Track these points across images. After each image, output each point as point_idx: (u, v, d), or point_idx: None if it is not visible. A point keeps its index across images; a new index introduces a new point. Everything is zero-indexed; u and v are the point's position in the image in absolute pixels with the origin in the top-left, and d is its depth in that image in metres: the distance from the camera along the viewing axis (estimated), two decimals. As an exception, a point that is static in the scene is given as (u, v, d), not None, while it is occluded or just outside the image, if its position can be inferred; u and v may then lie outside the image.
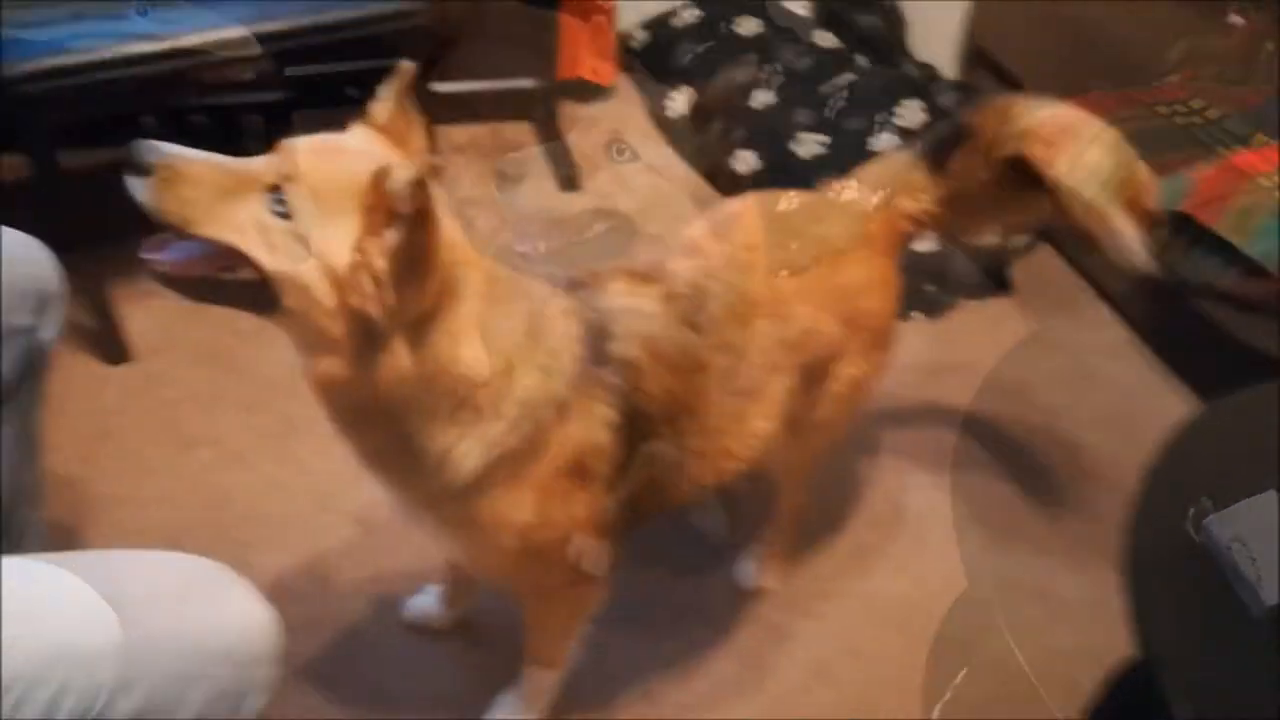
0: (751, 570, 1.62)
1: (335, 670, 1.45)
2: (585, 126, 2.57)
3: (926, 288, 2.17)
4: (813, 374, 1.30)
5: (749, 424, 1.26)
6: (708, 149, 2.43)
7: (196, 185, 0.89)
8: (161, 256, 0.93)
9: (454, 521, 1.12)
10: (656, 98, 2.57)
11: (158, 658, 0.80)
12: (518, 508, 1.08)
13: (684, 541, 1.67)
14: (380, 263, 0.89)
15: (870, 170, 1.42)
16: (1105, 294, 2.28)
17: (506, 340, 1.01)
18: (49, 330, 1.15)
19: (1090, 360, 2.12)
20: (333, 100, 2.34)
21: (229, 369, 1.86)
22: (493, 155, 2.44)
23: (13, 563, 0.84)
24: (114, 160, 0.91)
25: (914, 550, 1.72)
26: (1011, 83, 2.45)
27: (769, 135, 2.34)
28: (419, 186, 0.85)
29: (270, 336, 1.88)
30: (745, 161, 2.34)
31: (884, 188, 1.38)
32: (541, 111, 2.51)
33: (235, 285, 0.94)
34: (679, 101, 2.50)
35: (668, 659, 1.52)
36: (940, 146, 1.39)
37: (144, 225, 0.92)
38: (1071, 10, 2.23)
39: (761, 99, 2.40)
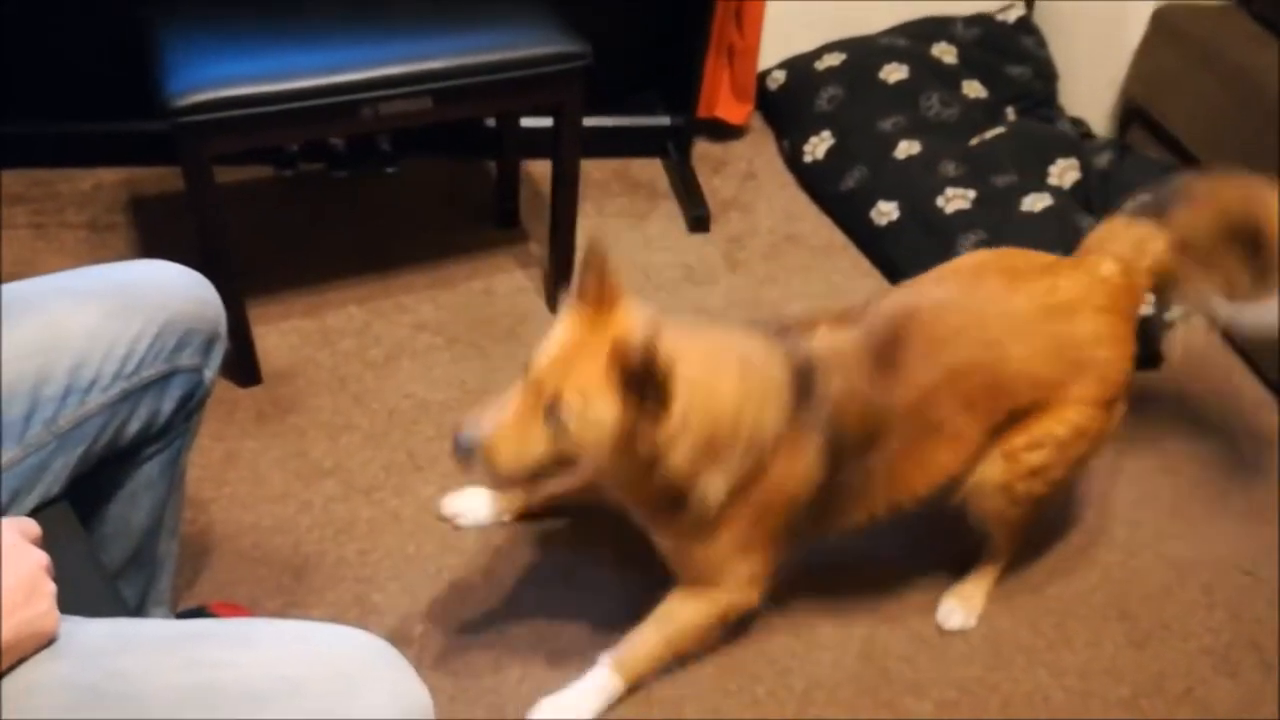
0: (952, 610, 1.61)
1: (449, 722, 1.42)
2: (716, 166, 2.52)
3: (1072, 357, 2.07)
4: (1023, 414, 1.39)
5: (933, 456, 1.39)
6: (846, 197, 2.36)
7: (505, 442, 1.16)
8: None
9: (690, 533, 1.34)
10: (793, 141, 2.51)
11: None
12: (740, 518, 1.32)
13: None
14: (647, 426, 1.16)
15: (1097, 236, 1.52)
16: (1263, 376, 2.14)
17: (731, 393, 1.22)
18: (211, 370, 1.15)
19: (1244, 446, 1.98)
20: (470, 139, 2.37)
21: (356, 397, 1.85)
22: (623, 193, 2.41)
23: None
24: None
25: (1055, 641, 1.62)
26: (1170, 143, 2.32)
27: (912, 186, 2.26)
28: (651, 355, 1.10)
29: (396, 367, 1.91)
30: (884, 213, 2.26)
31: (1116, 250, 1.47)
32: (675, 149, 2.48)
33: (549, 465, 1.20)
34: (817, 146, 2.44)
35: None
36: (1160, 206, 1.51)
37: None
38: (1243, 71, 2.10)
39: (906, 149, 2.32)
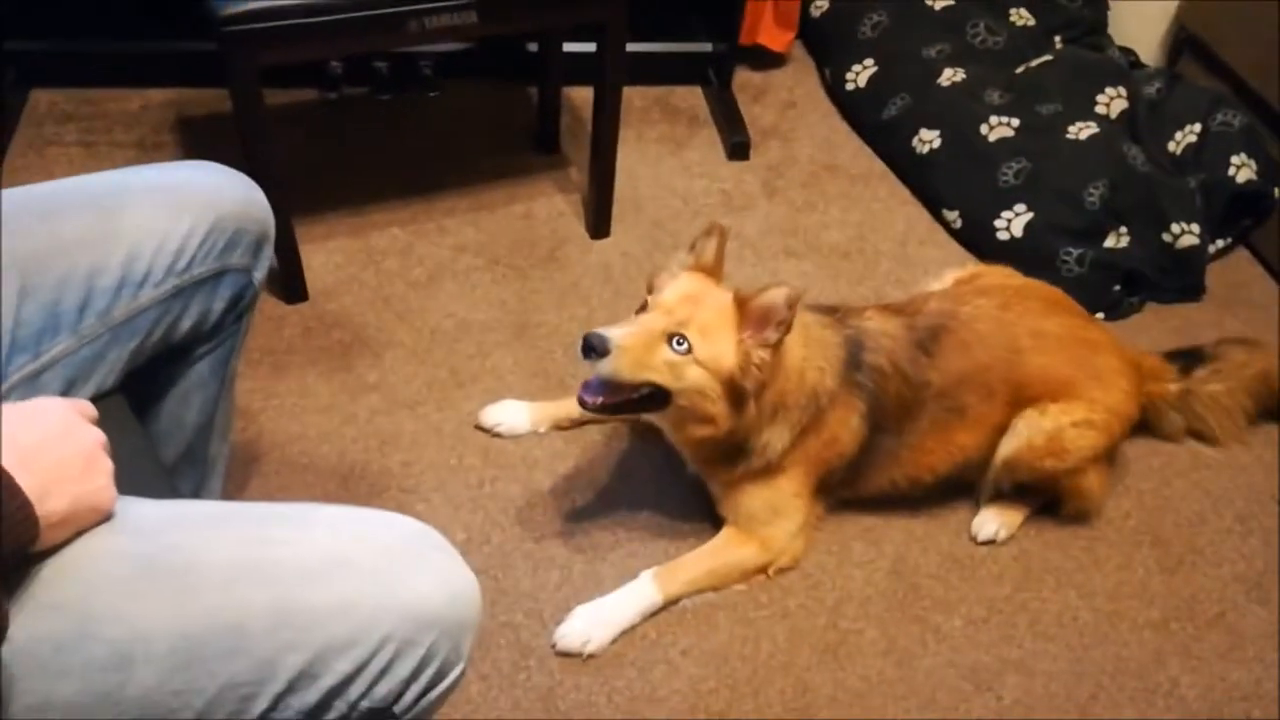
0: (988, 520, 1.64)
1: (478, 650, 1.46)
2: (756, 95, 2.51)
3: (1114, 288, 2.05)
4: (1039, 403, 1.55)
5: (955, 437, 1.57)
6: (887, 125, 2.34)
7: (630, 351, 1.29)
8: (596, 399, 1.35)
9: (745, 480, 1.49)
10: (834, 69, 2.49)
11: (377, 621, 0.80)
12: (794, 465, 1.49)
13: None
14: (762, 353, 1.34)
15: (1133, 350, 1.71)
16: (1308, 309, 2.12)
17: (798, 352, 1.42)
18: (260, 271, 1.17)
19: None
20: (512, 58, 2.37)
21: (399, 316, 1.88)
22: (663, 120, 2.41)
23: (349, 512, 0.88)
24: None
25: (1085, 564, 1.63)
26: (1224, 74, 2.27)
27: (955, 115, 2.23)
28: (795, 303, 1.31)
29: (438, 288, 1.94)
30: (926, 141, 2.24)
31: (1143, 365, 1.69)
32: (716, 77, 2.46)
33: (639, 400, 1.36)
34: (859, 74, 2.41)
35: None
36: (1187, 362, 1.75)
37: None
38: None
39: (949, 76, 2.29)
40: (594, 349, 1.28)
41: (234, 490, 1.54)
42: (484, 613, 1.44)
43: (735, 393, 1.35)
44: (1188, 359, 1.75)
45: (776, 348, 1.35)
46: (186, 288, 1.09)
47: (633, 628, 1.47)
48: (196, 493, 1.28)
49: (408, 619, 0.81)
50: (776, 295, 1.31)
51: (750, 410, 1.38)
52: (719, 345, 1.33)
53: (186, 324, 1.12)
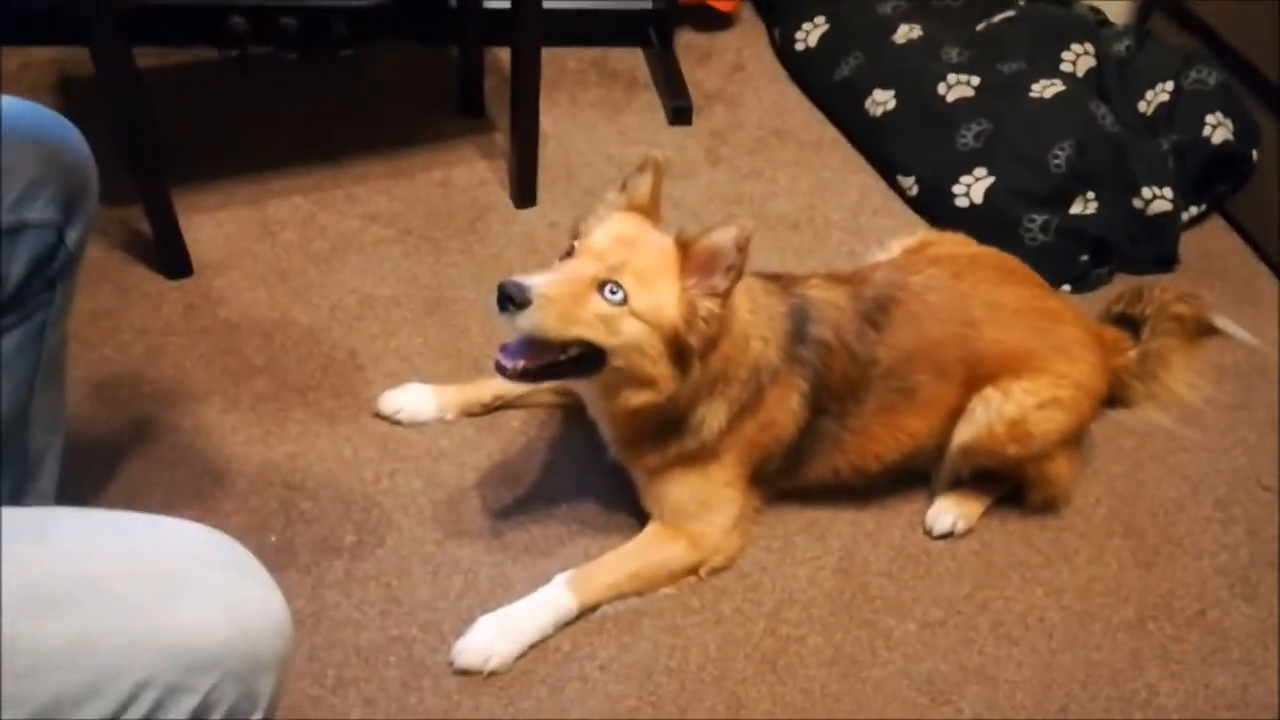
0: (944, 511, 1.47)
1: (362, 670, 1.28)
2: (701, 58, 2.33)
3: (1080, 258, 1.90)
4: (998, 381, 1.39)
5: (904, 421, 1.40)
6: (840, 86, 2.17)
7: (556, 302, 1.11)
8: (517, 362, 1.16)
9: (673, 465, 1.32)
10: (784, 29, 2.32)
11: (128, 662, 0.62)
12: (729, 450, 1.32)
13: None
14: (709, 304, 1.17)
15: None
16: (1287, 279, 1.98)
17: (745, 316, 1.26)
18: (76, 231, 0.98)
19: (1266, 352, 1.82)
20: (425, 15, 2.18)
21: (296, 292, 1.69)
22: (600, 83, 2.23)
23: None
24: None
25: (1053, 558, 1.47)
26: (1199, 30, 2.12)
27: (911, 74, 2.07)
28: (745, 244, 1.14)
29: (342, 261, 1.75)
30: (880, 102, 2.07)
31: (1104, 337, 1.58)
32: (656, 38, 2.28)
33: (569, 362, 1.17)
34: (810, 32, 2.24)
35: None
36: (1133, 327, 1.64)
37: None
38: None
39: (905, 33, 2.12)
40: (512, 300, 1.09)
41: (89, 493, 1.35)
42: (374, 625, 1.28)
43: (679, 351, 1.17)
44: (1127, 323, 1.65)
45: (726, 298, 1.17)
46: None
47: (544, 639, 1.29)
48: (16, 494, 1.09)
49: (173, 658, 0.63)
50: (725, 235, 1.14)
51: (695, 373, 1.20)
52: (660, 294, 1.15)
53: None
